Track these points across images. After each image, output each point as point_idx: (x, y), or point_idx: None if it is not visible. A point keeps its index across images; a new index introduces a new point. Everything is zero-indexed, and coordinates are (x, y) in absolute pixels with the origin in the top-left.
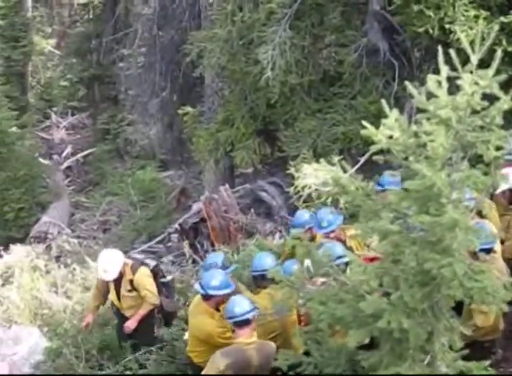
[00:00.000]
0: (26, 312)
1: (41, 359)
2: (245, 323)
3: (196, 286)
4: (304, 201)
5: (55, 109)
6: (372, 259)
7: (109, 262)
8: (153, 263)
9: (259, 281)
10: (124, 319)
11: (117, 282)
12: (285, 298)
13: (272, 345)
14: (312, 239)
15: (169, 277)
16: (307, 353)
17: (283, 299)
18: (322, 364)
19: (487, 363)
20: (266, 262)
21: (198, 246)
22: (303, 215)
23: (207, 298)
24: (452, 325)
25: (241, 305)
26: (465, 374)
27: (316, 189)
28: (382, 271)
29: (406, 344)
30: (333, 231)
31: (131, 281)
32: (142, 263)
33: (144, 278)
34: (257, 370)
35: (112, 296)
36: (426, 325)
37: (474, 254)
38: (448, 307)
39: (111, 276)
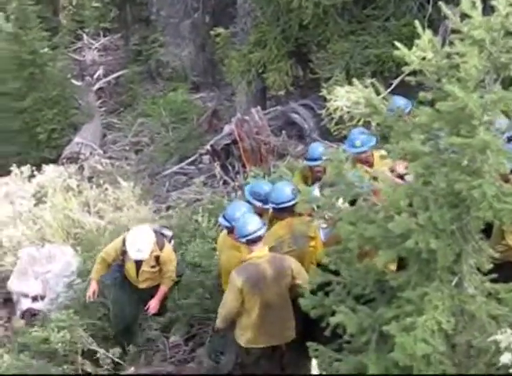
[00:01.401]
0: (59, 232)
1: (74, 278)
2: (258, 239)
3: (221, 219)
4: (336, 123)
5: (86, 30)
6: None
7: (143, 241)
8: (169, 233)
9: (278, 213)
10: (136, 289)
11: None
12: (304, 227)
13: (288, 258)
14: (323, 173)
15: (172, 242)
16: (336, 273)
17: (301, 229)
18: (351, 284)
19: None
20: (285, 193)
21: (229, 167)
22: (317, 148)
23: (231, 230)
24: (480, 247)
25: (253, 222)
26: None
27: (348, 112)
28: (412, 192)
29: (434, 264)
30: (365, 152)
31: (157, 257)
32: (162, 235)
33: (171, 255)
34: (272, 281)
35: (130, 271)
36: (454, 246)
37: (505, 177)
38: (477, 229)
39: (145, 255)
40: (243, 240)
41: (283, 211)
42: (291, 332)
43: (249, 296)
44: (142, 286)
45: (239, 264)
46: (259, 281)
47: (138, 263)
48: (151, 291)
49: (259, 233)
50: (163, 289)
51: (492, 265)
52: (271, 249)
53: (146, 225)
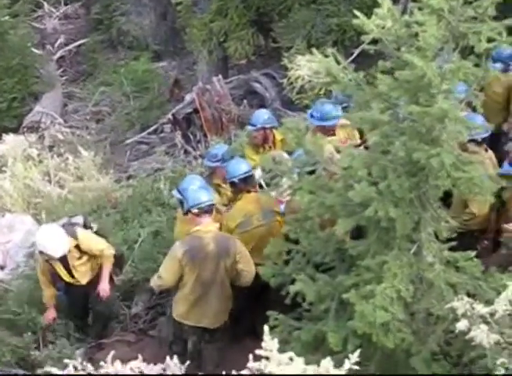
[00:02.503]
0: (19, 201)
1: (34, 247)
2: (209, 210)
3: (174, 191)
4: (298, 93)
5: None
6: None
7: (56, 238)
8: (80, 219)
9: (241, 185)
10: (81, 288)
11: (62, 256)
12: (270, 202)
13: (234, 240)
14: (265, 139)
15: (94, 226)
16: (296, 242)
17: (268, 203)
18: (311, 252)
19: (473, 253)
20: (242, 165)
21: (191, 136)
22: (263, 114)
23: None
24: (439, 215)
25: (204, 193)
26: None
27: (309, 81)
28: (370, 160)
29: (393, 233)
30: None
31: (78, 246)
32: (72, 224)
33: (88, 237)
34: (214, 257)
35: (63, 274)
36: (413, 214)
37: (463, 146)
38: (436, 197)
39: (63, 249)
40: (195, 209)
41: (246, 183)
42: (223, 316)
43: (186, 269)
44: (85, 281)
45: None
46: (199, 254)
47: (64, 263)
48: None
49: (211, 203)
50: (105, 269)
51: (455, 234)
52: (239, 224)
53: (50, 224)
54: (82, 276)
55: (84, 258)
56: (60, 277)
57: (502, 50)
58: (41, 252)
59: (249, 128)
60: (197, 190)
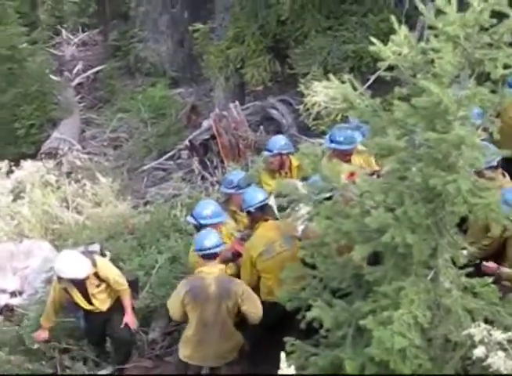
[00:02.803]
0: (37, 227)
1: (52, 273)
2: (213, 256)
3: (189, 217)
4: (314, 119)
5: (65, 25)
6: None
7: (75, 262)
8: (96, 247)
9: (257, 214)
10: (101, 315)
11: (80, 284)
12: (289, 228)
13: (237, 283)
14: (282, 165)
15: (108, 254)
16: (313, 267)
17: (287, 229)
18: (328, 278)
19: (490, 279)
20: (259, 194)
21: (208, 163)
22: (279, 140)
23: (199, 228)
24: (456, 241)
25: (211, 238)
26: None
27: (326, 107)
28: (387, 186)
29: (410, 259)
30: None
31: (96, 274)
32: (90, 252)
33: (107, 265)
34: (215, 299)
35: (81, 302)
36: (430, 241)
37: (480, 172)
38: (453, 223)
39: (87, 270)
40: (200, 253)
41: (261, 213)
42: (229, 354)
43: (188, 308)
44: (105, 308)
45: (196, 263)
46: (200, 296)
47: (82, 290)
48: (118, 306)
49: (215, 250)
50: (126, 302)
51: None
52: (261, 253)
53: (69, 250)
54: (102, 304)
55: (103, 285)
56: (78, 305)
57: None
58: (59, 278)
59: (265, 153)
60: (206, 235)
